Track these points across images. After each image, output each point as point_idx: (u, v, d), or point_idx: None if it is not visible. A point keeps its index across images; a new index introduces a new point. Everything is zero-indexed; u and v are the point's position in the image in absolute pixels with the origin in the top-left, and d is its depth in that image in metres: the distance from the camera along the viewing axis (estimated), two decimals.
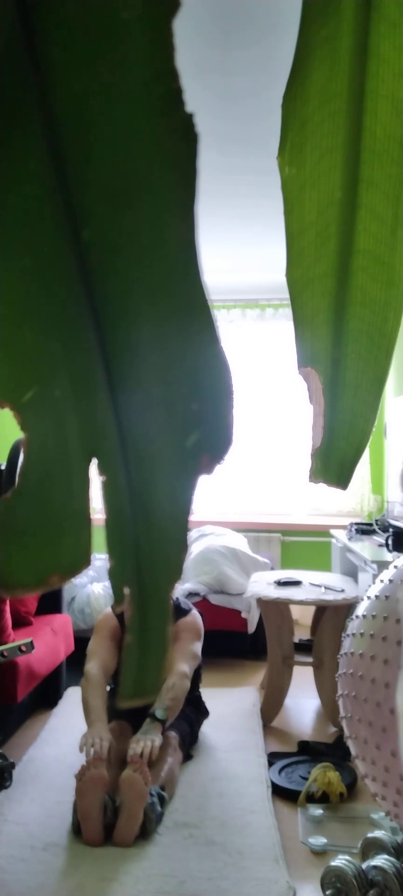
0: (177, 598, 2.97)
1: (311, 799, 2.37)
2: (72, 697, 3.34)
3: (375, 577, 2.33)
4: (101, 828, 2.10)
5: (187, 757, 2.63)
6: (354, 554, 3.53)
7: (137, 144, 0.37)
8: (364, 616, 1.54)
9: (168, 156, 0.37)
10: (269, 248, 4.39)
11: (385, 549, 3.27)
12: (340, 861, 1.66)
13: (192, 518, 0.40)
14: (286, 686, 3.17)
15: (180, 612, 2.84)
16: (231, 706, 3.19)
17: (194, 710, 2.83)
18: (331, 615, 3.09)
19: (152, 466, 0.40)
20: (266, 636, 3.25)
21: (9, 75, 0.37)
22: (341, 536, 4.05)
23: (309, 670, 3.29)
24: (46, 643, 3.08)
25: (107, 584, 3.92)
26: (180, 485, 0.39)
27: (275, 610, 3.17)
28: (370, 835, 1.79)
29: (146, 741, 2.25)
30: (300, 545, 5.12)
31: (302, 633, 4.08)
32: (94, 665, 2.53)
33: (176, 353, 0.39)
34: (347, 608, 3.05)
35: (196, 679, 2.90)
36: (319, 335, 0.54)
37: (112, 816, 2.12)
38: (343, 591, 3.18)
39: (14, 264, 0.38)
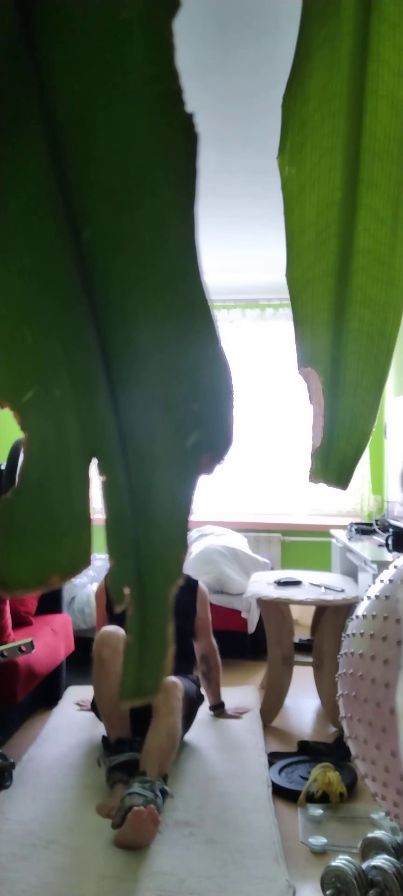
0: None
1: (311, 799, 2.37)
2: (72, 697, 3.35)
3: (375, 577, 2.33)
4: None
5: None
6: (354, 554, 3.53)
7: (137, 144, 0.37)
8: (364, 616, 1.54)
9: (168, 156, 0.37)
10: (269, 248, 4.39)
11: (385, 549, 3.27)
12: (340, 861, 1.66)
13: (192, 518, 0.40)
14: (286, 686, 3.17)
15: (190, 582, 3.04)
16: (231, 706, 3.19)
17: (195, 690, 2.83)
18: (331, 615, 3.09)
19: (152, 466, 0.40)
20: (266, 636, 3.25)
21: (9, 75, 0.37)
22: (341, 536, 4.04)
23: (309, 670, 3.29)
24: (46, 643, 3.08)
25: None
26: (180, 485, 0.39)
27: (275, 610, 3.17)
28: (370, 835, 1.79)
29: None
30: (300, 545, 5.12)
31: (302, 633, 4.08)
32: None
33: (176, 353, 0.39)
34: (347, 608, 3.05)
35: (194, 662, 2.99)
36: (319, 335, 0.54)
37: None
38: (343, 591, 3.18)
39: (14, 264, 0.38)
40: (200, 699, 2.88)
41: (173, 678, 2.51)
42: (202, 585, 3.09)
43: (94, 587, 4.05)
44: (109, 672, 2.45)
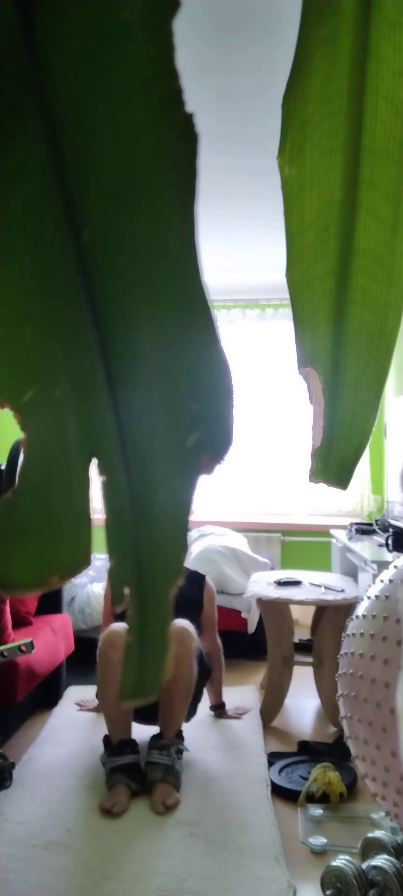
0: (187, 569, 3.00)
1: (311, 799, 2.37)
2: (72, 697, 3.35)
3: (375, 577, 2.33)
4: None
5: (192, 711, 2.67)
6: (354, 554, 3.53)
7: (137, 144, 0.37)
8: (364, 616, 1.54)
9: (168, 156, 0.37)
10: (269, 248, 4.39)
11: (385, 549, 3.27)
12: (340, 861, 1.66)
13: (192, 518, 0.40)
14: (286, 686, 3.16)
15: (198, 576, 3.01)
16: (231, 706, 3.19)
17: (206, 655, 2.83)
18: (331, 615, 3.09)
19: (152, 466, 0.40)
20: (266, 636, 3.25)
21: (9, 76, 0.37)
22: (341, 536, 4.04)
23: (309, 670, 3.29)
24: (46, 643, 3.08)
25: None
26: (180, 485, 0.39)
27: (275, 610, 3.17)
28: (370, 835, 1.79)
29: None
30: (300, 545, 5.12)
31: (302, 633, 4.08)
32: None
33: (176, 353, 0.39)
34: (347, 608, 3.05)
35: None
36: (319, 335, 0.54)
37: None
38: (343, 591, 3.18)
39: (14, 264, 0.38)
40: (208, 673, 2.82)
41: (184, 623, 2.46)
42: (209, 581, 3.03)
43: (94, 587, 4.05)
44: (117, 674, 2.39)
